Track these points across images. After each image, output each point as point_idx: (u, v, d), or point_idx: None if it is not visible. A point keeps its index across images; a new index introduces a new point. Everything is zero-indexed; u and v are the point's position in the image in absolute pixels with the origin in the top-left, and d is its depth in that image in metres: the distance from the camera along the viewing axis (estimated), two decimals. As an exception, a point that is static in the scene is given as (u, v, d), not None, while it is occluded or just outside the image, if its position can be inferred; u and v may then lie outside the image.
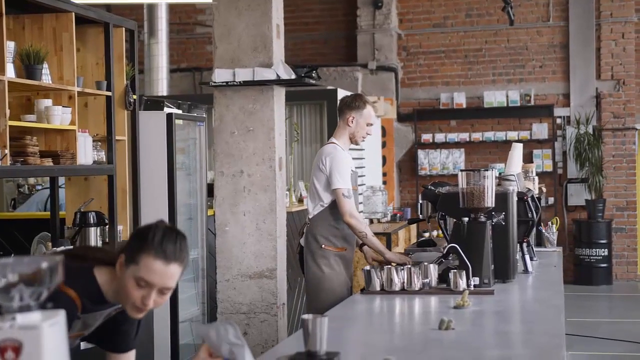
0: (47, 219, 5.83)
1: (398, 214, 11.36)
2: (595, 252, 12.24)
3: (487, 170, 4.46)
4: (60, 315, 1.79)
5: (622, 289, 12.10)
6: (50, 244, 5.48)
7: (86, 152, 5.30)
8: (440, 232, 12.04)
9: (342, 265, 5.24)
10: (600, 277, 12.26)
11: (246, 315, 5.81)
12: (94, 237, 5.44)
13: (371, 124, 5.35)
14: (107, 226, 5.62)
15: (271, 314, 5.78)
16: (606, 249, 12.26)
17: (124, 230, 5.90)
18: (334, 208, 5.20)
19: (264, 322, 5.78)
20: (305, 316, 2.77)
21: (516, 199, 4.75)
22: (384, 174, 12.42)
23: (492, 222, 4.48)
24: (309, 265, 5.24)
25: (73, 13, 5.22)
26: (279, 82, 5.83)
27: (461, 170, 4.49)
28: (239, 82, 5.78)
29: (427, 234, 12.32)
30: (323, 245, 5.20)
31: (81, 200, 5.68)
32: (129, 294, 2.57)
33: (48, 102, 5.05)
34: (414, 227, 11.33)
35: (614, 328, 9.40)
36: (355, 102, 5.33)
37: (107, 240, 5.65)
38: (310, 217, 5.32)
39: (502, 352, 3.01)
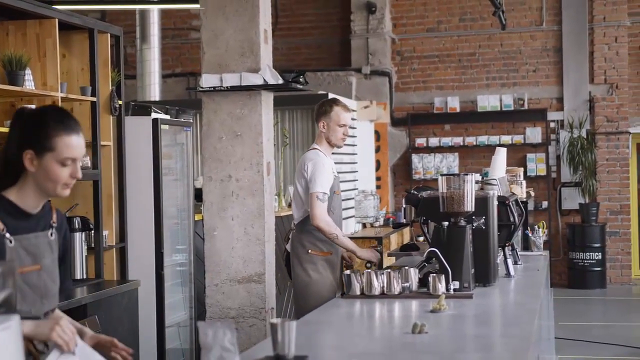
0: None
1: (391, 219, 11.37)
2: (589, 255, 12.24)
3: (467, 174, 4.47)
4: (14, 320, 1.81)
5: (616, 293, 12.10)
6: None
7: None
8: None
9: (329, 270, 5.30)
10: (594, 281, 12.26)
11: (235, 320, 5.82)
12: (79, 242, 5.45)
13: (344, 125, 5.41)
14: (92, 231, 5.64)
15: (260, 319, 5.79)
16: (600, 253, 12.26)
17: (109, 235, 5.91)
18: None
19: (252, 326, 5.79)
20: (274, 320, 2.79)
21: (497, 203, 4.76)
22: (378, 179, 12.44)
23: (472, 226, 4.49)
24: (296, 271, 5.31)
25: (56, 19, 5.24)
26: (266, 87, 5.84)
27: (441, 175, 4.51)
28: (227, 87, 5.80)
29: (421, 239, 12.33)
30: (310, 251, 5.28)
31: (66, 205, 5.69)
32: (56, 178, 2.69)
33: (31, 107, 5.06)
34: (407, 231, 11.34)
35: (606, 332, 9.41)
36: (322, 107, 5.46)
37: (92, 245, 5.66)
38: (295, 222, 5.40)
39: (470, 355, 3.03)
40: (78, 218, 5.48)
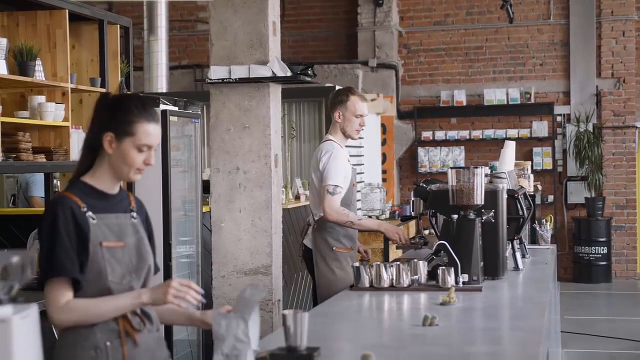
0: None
1: (397, 211, 11.37)
2: (595, 250, 12.24)
3: (477, 168, 4.47)
4: (32, 309, 1.82)
5: (621, 287, 12.11)
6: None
7: (79, 148, 5.32)
8: (439, 229, 12.05)
9: (350, 265, 5.23)
10: (600, 275, 12.26)
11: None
12: (88, 233, 5.45)
13: (360, 115, 5.25)
14: (100, 222, 5.63)
15: (266, 311, 5.79)
16: (605, 247, 12.26)
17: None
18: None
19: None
20: (286, 312, 2.79)
21: (506, 196, 4.76)
22: (384, 172, 12.45)
23: (482, 219, 4.49)
24: (320, 268, 5.16)
25: (67, 10, 5.24)
26: (274, 79, 5.84)
27: (451, 168, 4.51)
28: (235, 79, 5.80)
29: (427, 232, 12.33)
30: (334, 248, 5.15)
31: (76, 196, 5.70)
32: (132, 162, 2.81)
33: (41, 98, 5.07)
34: (413, 224, 11.34)
35: (611, 326, 9.41)
36: (338, 96, 5.29)
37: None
38: (316, 218, 5.23)
39: (481, 348, 3.04)
40: (86, 209, 5.48)
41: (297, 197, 8.11)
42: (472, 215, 4.44)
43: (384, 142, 12.45)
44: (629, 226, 12.64)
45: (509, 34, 12.90)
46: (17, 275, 1.81)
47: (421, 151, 12.96)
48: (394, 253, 9.08)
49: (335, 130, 5.32)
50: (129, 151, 2.79)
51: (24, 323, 1.79)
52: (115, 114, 2.82)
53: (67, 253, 2.73)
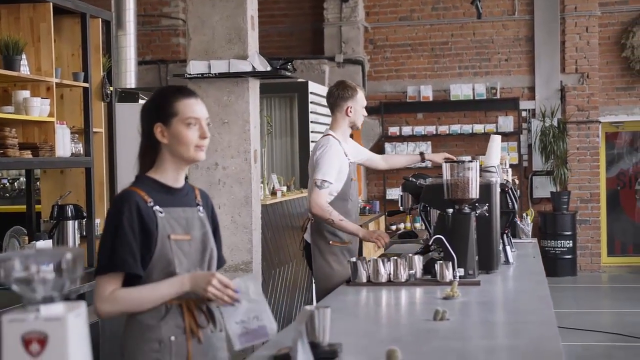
0: (22, 212, 5.75)
1: (367, 207, 11.40)
2: (560, 243, 12.38)
3: (472, 161, 4.47)
4: (82, 307, 1.78)
5: (586, 280, 12.26)
6: (26, 237, 5.39)
7: (64, 144, 5.24)
8: (408, 224, 12.07)
9: (347, 259, 5.18)
10: (565, 269, 12.40)
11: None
12: (72, 230, 5.37)
13: (364, 106, 5.43)
14: (84, 219, 5.55)
15: (247, 307, 5.75)
16: (571, 241, 12.40)
17: (101, 224, 5.82)
18: (338, 202, 5.11)
19: (240, 314, 5.75)
20: (309, 307, 2.77)
21: (499, 190, 4.78)
22: (351, 167, 12.43)
23: (476, 213, 4.49)
24: (317, 262, 5.15)
25: (51, 3, 5.14)
26: (254, 74, 5.80)
27: (445, 162, 4.51)
28: (214, 74, 5.75)
29: (394, 227, 12.38)
30: (331, 242, 5.15)
31: (57, 193, 5.60)
32: (186, 140, 2.84)
33: (26, 93, 4.97)
34: (382, 219, 11.39)
35: (579, 318, 9.52)
36: (348, 91, 5.33)
37: (84, 234, 5.58)
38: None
39: (501, 341, 3.04)
40: (71, 206, 5.39)
41: (274, 193, 8.07)
42: (467, 210, 4.45)
43: (351, 137, 12.42)
44: (593, 220, 12.80)
45: (474, 29, 12.98)
46: (70, 272, 1.76)
47: (388, 146, 12.98)
48: (368, 251, 9.08)
49: (338, 125, 5.32)
50: (180, 130, 2.83)
51: (78, 320, 1.75)
52: (156, 106, 2.89)
53: (130, 248, 2.75)
